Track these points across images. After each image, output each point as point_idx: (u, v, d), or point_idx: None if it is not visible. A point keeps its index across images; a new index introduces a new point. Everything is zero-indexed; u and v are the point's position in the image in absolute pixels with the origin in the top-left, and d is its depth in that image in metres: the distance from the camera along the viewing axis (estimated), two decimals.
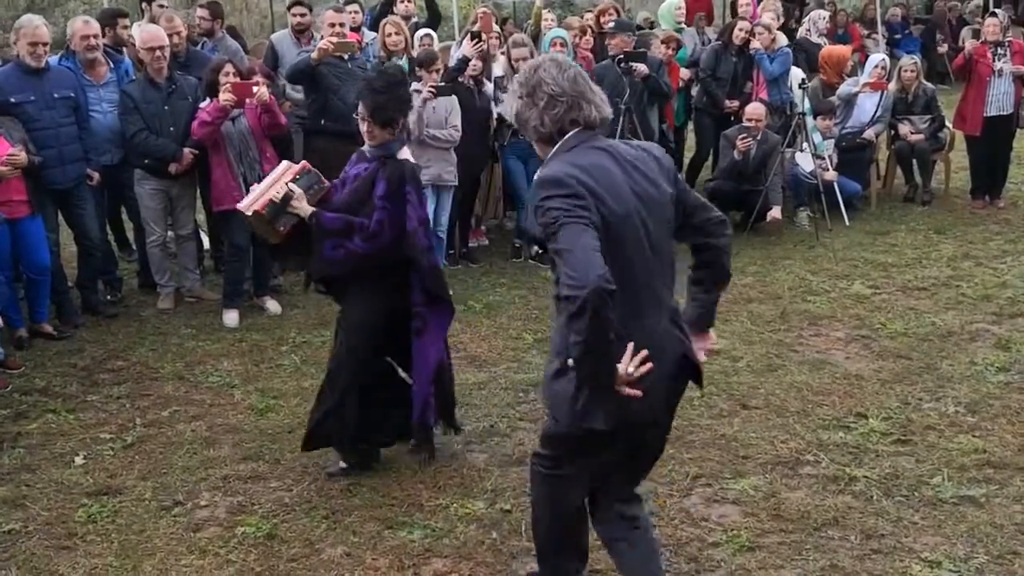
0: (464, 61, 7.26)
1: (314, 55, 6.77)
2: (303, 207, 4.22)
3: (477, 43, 7.39)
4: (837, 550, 3.78)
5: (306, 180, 4.31)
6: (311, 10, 8.04)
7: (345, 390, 4.34)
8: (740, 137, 8.08)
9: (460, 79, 7.27)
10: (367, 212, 4.18)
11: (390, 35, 7.37)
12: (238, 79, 6.33)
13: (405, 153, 4.36)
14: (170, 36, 6.96)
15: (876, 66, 9.17)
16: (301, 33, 7.86)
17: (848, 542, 3.84)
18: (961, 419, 4.87)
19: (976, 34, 9.32)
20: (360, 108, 4.24)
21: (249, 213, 4.26)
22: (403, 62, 7.38)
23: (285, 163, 4.47)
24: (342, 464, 4.49)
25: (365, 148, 4.36)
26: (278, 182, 4.29)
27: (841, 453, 4.55)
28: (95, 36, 6.60)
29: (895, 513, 4.03)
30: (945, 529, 3.91)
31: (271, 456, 4.65)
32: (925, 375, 5.41)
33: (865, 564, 3.70)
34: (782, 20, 10.11)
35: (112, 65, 6.81)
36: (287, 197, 4.23)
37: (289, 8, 7.97)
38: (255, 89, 6.23)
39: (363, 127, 4.25)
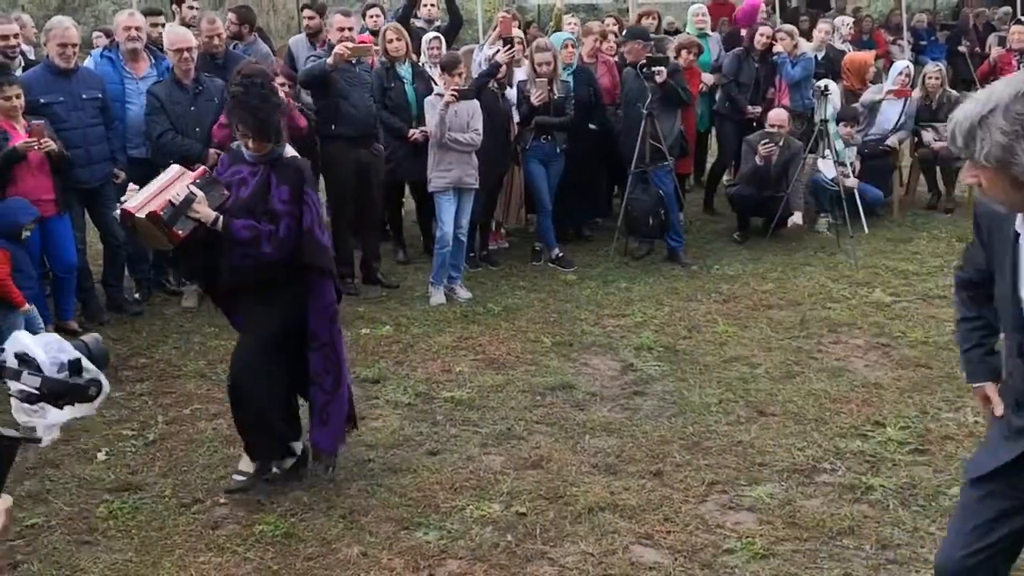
0: (496, 66, 7.31)
1: (330, 60, 6.81)
2: (206, 211, 4.06)
3: (509, 49, 7.43)
4: (852, 559, 3.78)
5: (207, 185, 4.13)
6: (322, 14, 8.12)
7: (262, 409, 4.27)
8: (762, 143, 8.07)
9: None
10: (266, 218, 4.10)
11: (391, 41, 7.41)
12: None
13: (290, 150, 4.30)
14: (210, 38, 7.06)
15: (900, 73, 9.13)
16: (315, 36, 7.95)
17: (863, 551, 3.84)
18: (979, 430, 4.85)
19: (1003, 41, 9.26)
20: (238, 127, 4.13)
21: (142, 215, 4.02)
22: (407, 67, 7.43)
23: (177, 167, 4.29)
24: (239, 476, 4.39)
25: (244, 152, 4.24)
26: (172, 185, 4.09)
27: (858, 462, 4.54)
28: (138, 28, 6.75)
29: (911, 523, 4.02)
30: None
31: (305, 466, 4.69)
32: (944, 384, 5.39)
33: (880, 574, 3.70)
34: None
35: (154, 61, 6.91)
36: (189, 199, 4.04)
37: (301, 11, 8.07)
38: None
39: (246, 143, 4.15)
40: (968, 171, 2.37)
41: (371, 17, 8.80)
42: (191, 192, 4.05)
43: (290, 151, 4.31)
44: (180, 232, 4.06)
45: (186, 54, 6.57)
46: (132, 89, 6.75)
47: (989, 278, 2.66)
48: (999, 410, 2.72)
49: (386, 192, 7.88)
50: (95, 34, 10.07)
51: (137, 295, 7.13)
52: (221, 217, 4.09)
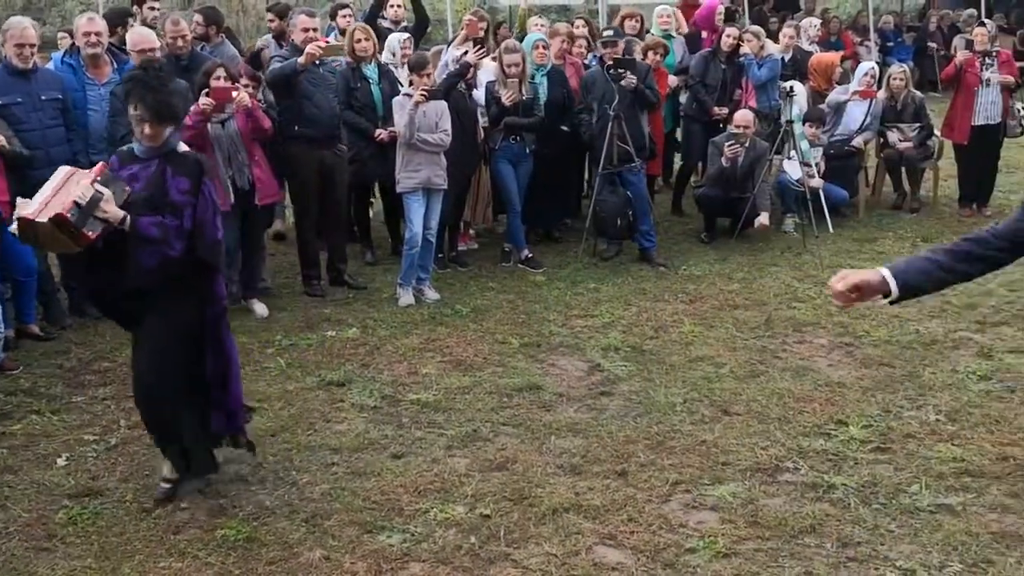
0: (466, 67, 7.31)
1: (301, 60, 6.78)
2: (114, 210, 3.88)
3: (479, 49, 7.42)
4: (813, 558, 3.81)
5: (109, 183, 3.93)
6: (283, 16, 8.11)
7: (176, 413, 4.23)
8: (728, 144, 8.11)
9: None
10: (168, 211, 4.00)
11: (359, 40, 7.40)
12: (229, 83, 6.35)
13: (183, 146, 4.23)
14: (175, 39, 7.00)
15: (866, 74, 9.21)
16: (280, 38, 7.94)
17: (824, 550, 3.86)
18: (941, 427, 4.91)
19: (969, 44, 9.36)
20: (137, 110, 4.01)
21: (44, 219, 3.79)
22: (373, 67, 7.42)
23: (67, 168, 4.08)
24: (165, 484, 4.36)
25: (135, 148, 4.16)
26: (67, 186, 3.87)
27: (820, 460, 4.58)
28: (97, 33, 6.63)
29: (872, 521, 4.05)
30: (921, 537, 3.93)
31: (253, 459, 4.66)
32: (907, 383, 5.44)
33: (840, 572, 3.72)
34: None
35: (116, 65, 6.83)
36: (95, 199, 3.84)
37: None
38: (234, 94, 6.25)
39: (143, 129, 4.03)
40: None
41: (343, 17, 8.77)
42: (97, 191, 3.85)
43: (182, 145, 4.23)
44: (90, 234, 3.86)
45: (150, 55, 6.50)
46: (94, 95, 6.65)
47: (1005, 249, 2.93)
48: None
49: (354, 193, 7.86)
50: (60, 35, 9.96)
51: None
52: (128, 215, 3.94)
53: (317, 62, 6.92)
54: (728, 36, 8.97)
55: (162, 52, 6.83)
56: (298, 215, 7.42)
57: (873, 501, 4.21)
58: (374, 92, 7.42)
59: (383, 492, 4.35)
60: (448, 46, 8.29)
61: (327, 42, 7.17)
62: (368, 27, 7.67)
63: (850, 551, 3.84)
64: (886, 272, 2.95)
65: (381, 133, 7.31)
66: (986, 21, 11.19)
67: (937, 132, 9.46)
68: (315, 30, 7.13)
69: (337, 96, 7.19)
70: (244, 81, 6.63)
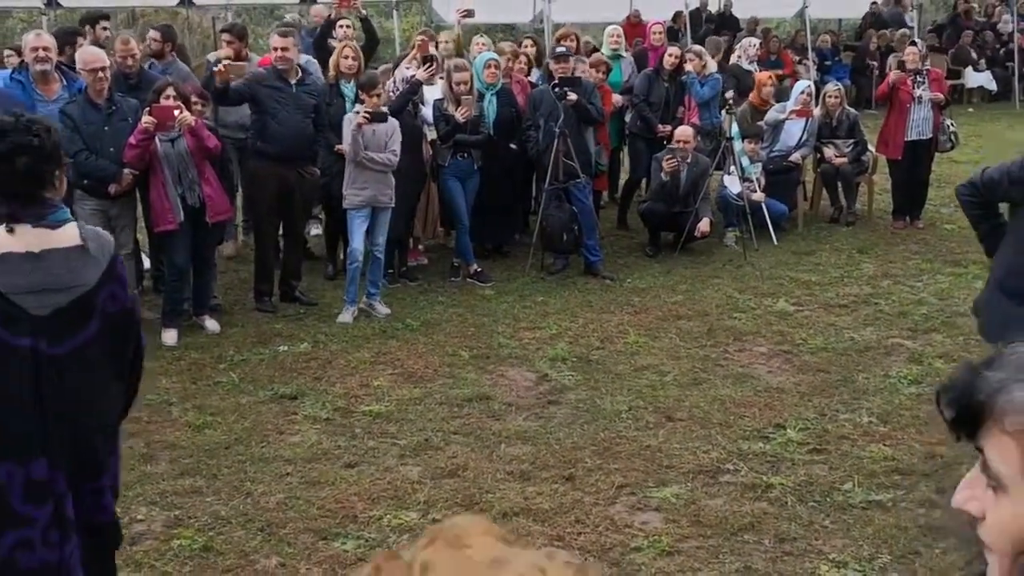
0: (417, 84, 7.45)
1: (217, 79, 6.93)
2: None
3: (429, 67, 7.57)
4: (752, 553, 3.99)
5: None
6: (241, 37, 8.20)
7: None
8: (666, 158, 8.33)
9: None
10: None
11: (347, 57, 7.51)
12: (174, 102, 6.42)
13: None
14: (124, 58, 7.05)
15: (802, 92, 9.52)
16: (236, 59, 8.05)
17: (762, 546, 4.04)
18: (874, 429, 5.13)
19: (902, 64, 9.72)
20: None
21: None
22: (351, 86, 7.53)
23: None
24: None
25: None
26: None
27: (759, 462, 4.77)
28: (45, 48, 6.65)
29: (807, 518, 4.25)
30: (853, 532, 4.14)
31: (208, 471, 4.74)
32: (842, 388, 5.67)
33: (777, 566, 3.91)
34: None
35: (66, 82, 6.86)
36: None
37: (220, 34, 8.19)
38: (176, 113, 6.32)
39: None
40: None
41: (341, 28, 8.86)
42: None
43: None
44: None
45: (100, 73, 6.55)
46: (44, 112, 6.66)
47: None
48: None
49: (322, 206, 7.99)
50: (6, 52, 9.92)
51: None
52: None
53: (292, 80, 7.06)
54: (670, 55, 9.22)
55: (112, 70, 6.88)
56: (257, 230, 7.50)
57: (809, 499, 4.41)
58: (348, 109, 7.49)
59: (337, 500, 4.45)
60: (397, 65, 8.41)
61: (229, 63, 7.33)
62: (358, 47, 7.82)
63: (787, 546, 4.03)
64: None
65: (341, 147, 7.41)
66: (917, 41, 11.63)
67: (872, 148, 9.80)
68: (285, 49, 7.14)
69: (312, 116, 7.23)
70: (194, 99, 6.71)
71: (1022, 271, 3.53)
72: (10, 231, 2.91)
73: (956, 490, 1.12)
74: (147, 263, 7.83)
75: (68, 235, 2.99)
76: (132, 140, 6.34)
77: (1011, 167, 3.79)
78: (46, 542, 2.92)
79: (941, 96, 9.51)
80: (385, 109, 6.97)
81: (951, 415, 1.12)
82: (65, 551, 2.95)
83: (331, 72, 7.60)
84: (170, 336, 6.61)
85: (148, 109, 6.29)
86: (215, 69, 6.92)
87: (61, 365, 2.92)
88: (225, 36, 8.50)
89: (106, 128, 6.59)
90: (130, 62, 7.13)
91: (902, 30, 16.53)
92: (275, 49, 7.17)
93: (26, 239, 2.92)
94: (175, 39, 8.42)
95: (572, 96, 7.75)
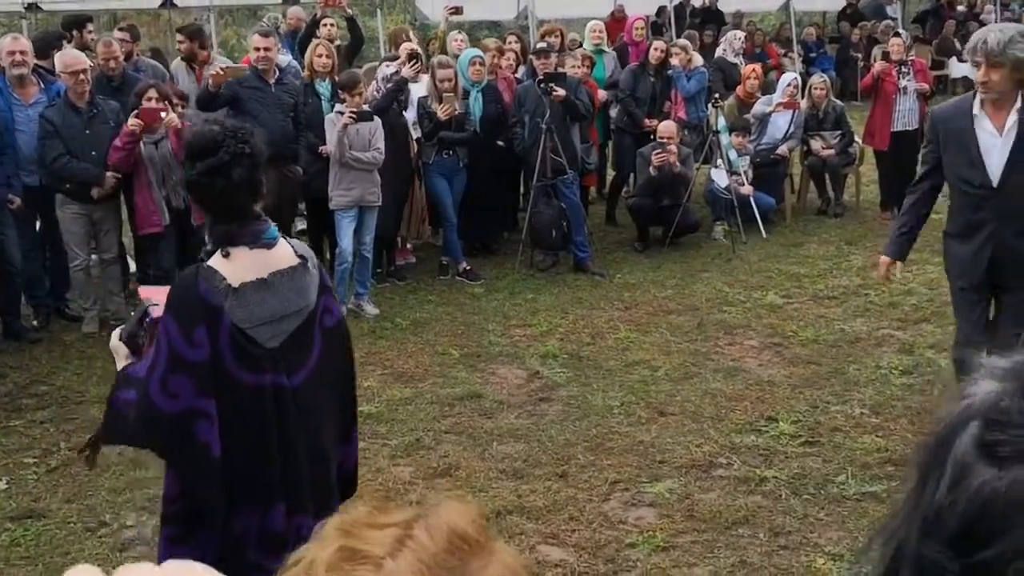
0: (403, 82, 7.41)
1: (211, 82, 6.86)
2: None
3: (415, 64, 7.53)
4: (747, 547, 3.97)
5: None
6: (193, 38, 8.14)
7: None
8: (655, 153, 8.29)
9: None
10: None
11: (320, 56, 7.47)
12: (162, 103, 6.37)
13: None
14: (107, 60, 7.01)
15: (788, 84, 9.51)
16: (191, 60, 8.01)
17: (757, 539, 4.03)
18: (866, 420, 5.12)
19: (886, 54, 9.73)
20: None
21: None
22: (326, 84, 7.49)
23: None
24: None
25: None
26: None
27: (752, 455, 4.75)
28: (22, 52, 6.60)
29: (802, 511, 4.23)
30: (848, 524, 4.12)
31: None
32: (833, 379, 5.66)
33: (773, 560, 3.89)
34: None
35: (43, 86, 6.80)
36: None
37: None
38: (163, 115, 6.27)
39: None
40: (984, 73, 4.06)
41: (325, 27, 8.81)
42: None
43: None
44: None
45: (82, 76, 6.50)
46: (22, 116, 6.61)
47: (937, 172, 4.50)
48: (882, 274, 4.83)
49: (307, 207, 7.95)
50: None
51: (35, 322, 6.99)
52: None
53: (270, 81, 6.99)
54: (656, 49, 9.20)
55: (93, 73, 6.82)
56: None
57: (803, 492, 4.39)
58: (324, 108, 7.45)
59: None
60: (380, 63, 8.37)
61: (228, 66, 7.28)
62: (330, 44, 7.77)
63: (782, 540, 4.01)
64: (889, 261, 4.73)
65: (324, 148, 7.36)
66: (902, 31, 11.63)
67: (858, 139, 9.80)
68: (267, 49, 7.11)
69: (291, 115, 7.20)
70: (175, 101, 6.66)
71: (954, 215, 4.54)
72: (226, 255, 2.66)
73: None
74: (132, 266, 7.77)
75: (286, 253, 2.76)
76: (118, 143, 6.29)
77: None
78: None
79: (927, 86, 9.52)
80: (367, 108, 6.94)
81: None
82: None
83: (305, 72, 7.55)
84: None
85: (135, 112, 6.23)
86: (212, 73, 6.84)
87: (298, 398, 2.72)
88: (179, 36, 8.43)
89: (87, 131, 6.53)
90: (113, 64, 7.09)
91: (886, 21, 16.55)
92: (257, 49, 7.12)
93: (249, 263, 2.67)
94: (139, 38, 8.39)
95: (560, 91, 7.72)
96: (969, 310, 4.45)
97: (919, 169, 4.75)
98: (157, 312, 2.77)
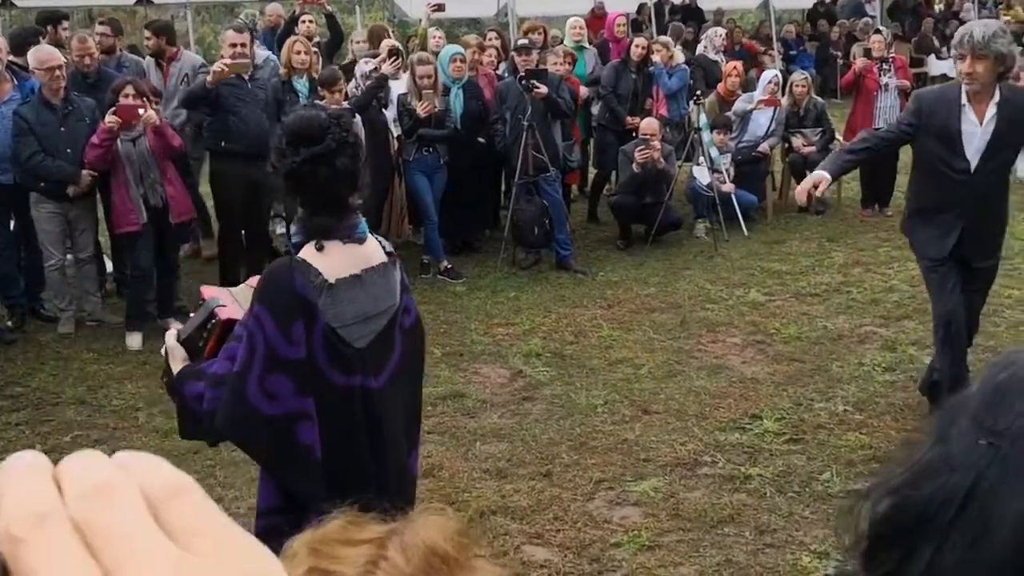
0: (383, 78, 7.36)
1: (209, 79, 6.75)
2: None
3: (395, 60, 7.47)
4: (732, 546, 3.94)
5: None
6: (159, 34, 8.03)
7: None
8: (638, 150, 8.26)
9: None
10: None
11: (299, 53, 7.40)
12: (139, 100, 6.28)
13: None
14: (81, 57, 6.91)
15: (769, 82, 9.51)
16: (159, 56, 7.91)
17: (743, 538, 4.00)
18: (850, 417, 5.11)
19: (867, 52, 9.75)
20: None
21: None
22: (304, 81, 7.42)
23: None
24: None
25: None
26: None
27: (737, 453, 4.73)
28: None
29: (787, 508, 4.21)
30: (833, 522, 4.10)
31: None
32: (816, 376, 5.65)
33: (759, 558, 3.86)
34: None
35: (16, 82, 6.69)
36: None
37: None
38: (142, 111, 6.18)
39: None
40: (969, 65, 4.37)
41: (303, 23, 8.73)
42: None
43: None
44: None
45: (57, 72, 6.40)
46: None
47: (899, 141, 4.94)
48: (802, 197, 4.83)
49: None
50: None
51: (10, 323, 6.88)
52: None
53: (245, 76, 6.89)
54: (637, 46, 9.18)
55: (68, 69, 6.73)
56: (223, 232, 7.35)
57: (788, 489, 4.37)
58: None
59: None
60: (358, 60, 8.30)
61: (232, 60, 7.12)
62: (307, 41, 7.69)
63: (767, 538, 3.99)
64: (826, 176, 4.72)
65: None
66: (882, 29, 11.67)
67: (839, 136, 9.81)
68: (243, 46, 7.03)
69: (267, 110, 7.14)
70: (152, 97, 6.57)
71: (925, 195, 4.82)
72: (319, 249, 2.55)
73: None
74: (109, 266, 7.68)
75: (376, 250, 2.66)
76: (95, 140, 6.19)
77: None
78: None
79: (907, 83, 9.55)
80: (346, 104, 6.88)
81: None
82: None
83: (283, 69, 7.47)
84: (135, 340, 6.47)
85: (113, 109, 6.14)
86: (215, 69, 6.70)
87: (383, 400, 2.63)
88: (146, 33, 8.33)
89: (62, 129, 6.43)
90: (88, 61, 6.99)
91: (864, 19, 16.61)
92: (233, 45, 7.02)
93: (342, 259, 2.57)
94: (123, 32, 8.27)
95: (542, 89, 7.68)
96: (941, 283, 4.76)
97: (888, 129, 5.14)
98: (225, 313, 2.65)
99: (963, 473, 0.73)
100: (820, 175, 4.72)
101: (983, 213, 4.67)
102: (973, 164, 4.58)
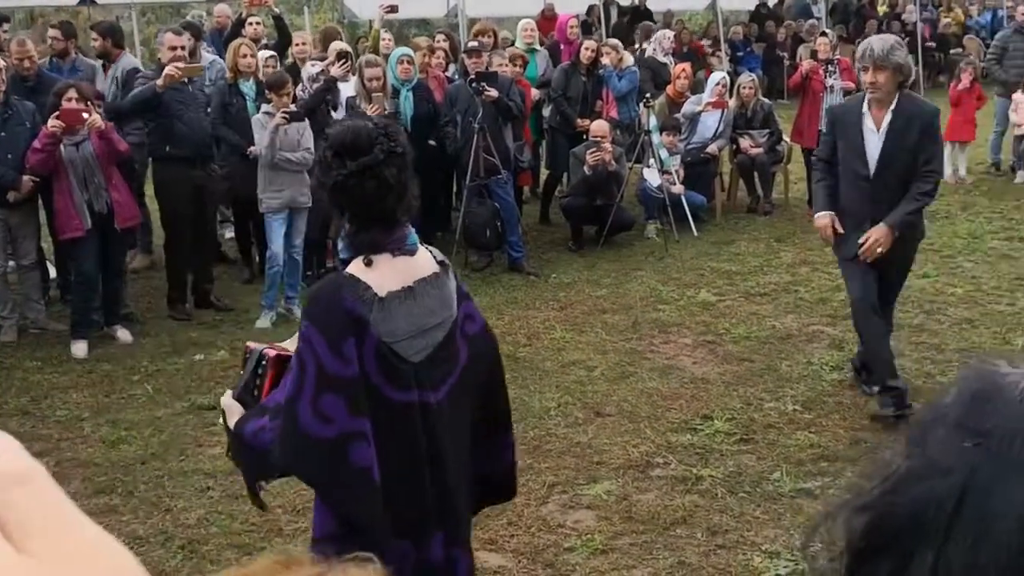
0: (332, 81, 7.30)
1: (160, 82, 6.62)
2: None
3: (344, 63, 7.42)
4: (685, 548, 3.97)
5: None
6: (67, 35, 7.90)
7: None
8: (589, 152, 8.29)
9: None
10: None
11: (244, 56, 7.32)
12: (83, 104, 6.16)
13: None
14: (21, 60, 6.76)
15: (717, 83, 9.60)
16: (63, 58, 7.79)
17: (695, 539, 4.03)
18: (798, 416, 5.18)
19: (814, 54, 9.88)
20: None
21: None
22: (251, 84, 7.34)
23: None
24: None
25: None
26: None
27: (689, 454, 4.77)
28: None
29: (738, 509, 4.25)
30: (784, 521, 4.15)
31: (124, 489, 4.54)
32: (766, 376, 5.71)
33: (711, 559, 3.89)
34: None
35: None
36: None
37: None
38: (85, 116, 6.06)
39: None
40: (872, 76, 4.75)
41: (250, 25, 8.61)
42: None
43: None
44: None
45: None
46: None
47: (834, 156, 5.07)
48: (828, 232, 5.10)
49: (232, 210, 7.75)
50: None
51: None
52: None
53: (186, 80, 6.78)
54: (587, 49, 9.21)
55: (7, 73, 6.57)
56: (169, 238, 7.22)
57: (739, 490, 4.41)
58: (251, 109, 7.29)
59: (260, 514, 4.29)
60: (305, 63, 8.22)
61: (185, 64, 6.99)
62: (252, 44, 7.60)
63: (719, 539, 4.03)
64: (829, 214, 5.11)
65: (253, 150, 7.19)
66: (828, 31, 11.84)
67: (786, 137, 9.93)
68: (183, 48, 6.92)
69: (209, 113, 7.05)
70: (96, 101, 6.45)
71: (841, 200, 5.09)
72: (368, 264, 2.46)
73: None
74: (53, 272, 7.53)
75: (428, 260, 2.56)
76: (37, 144, 6.06)
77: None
78: None
79: (852, 85, 9.68)
80: (294, 108, 6.81)
81: None
82: None
83: (229, 73, 7.39)
84: (80, 348, 6.35)
85: (56, 113, 6.01)
86: (167, 73, 6.55)
87: (443, 415, 2.52)
88: (92, 34, 8.19)
89: (2, 133, 6.30)
90: (27, 64, 6.85)
91: (811, 21, 16.84)
92: (172, 48, 6.89)
93: (393, 272, 2.48)
94: (76, 35, 8.10)
95: (492, 92, 7.68)
96: (861, 275, 5.06)
97: (819, 153, 5.42)
98: (275, 351, 2.56)
99: (953, 475, 0.73)
100: (828, 217, 5.09)
101: (885, 214, 4.90)
102: (872, 169, 4.90)
